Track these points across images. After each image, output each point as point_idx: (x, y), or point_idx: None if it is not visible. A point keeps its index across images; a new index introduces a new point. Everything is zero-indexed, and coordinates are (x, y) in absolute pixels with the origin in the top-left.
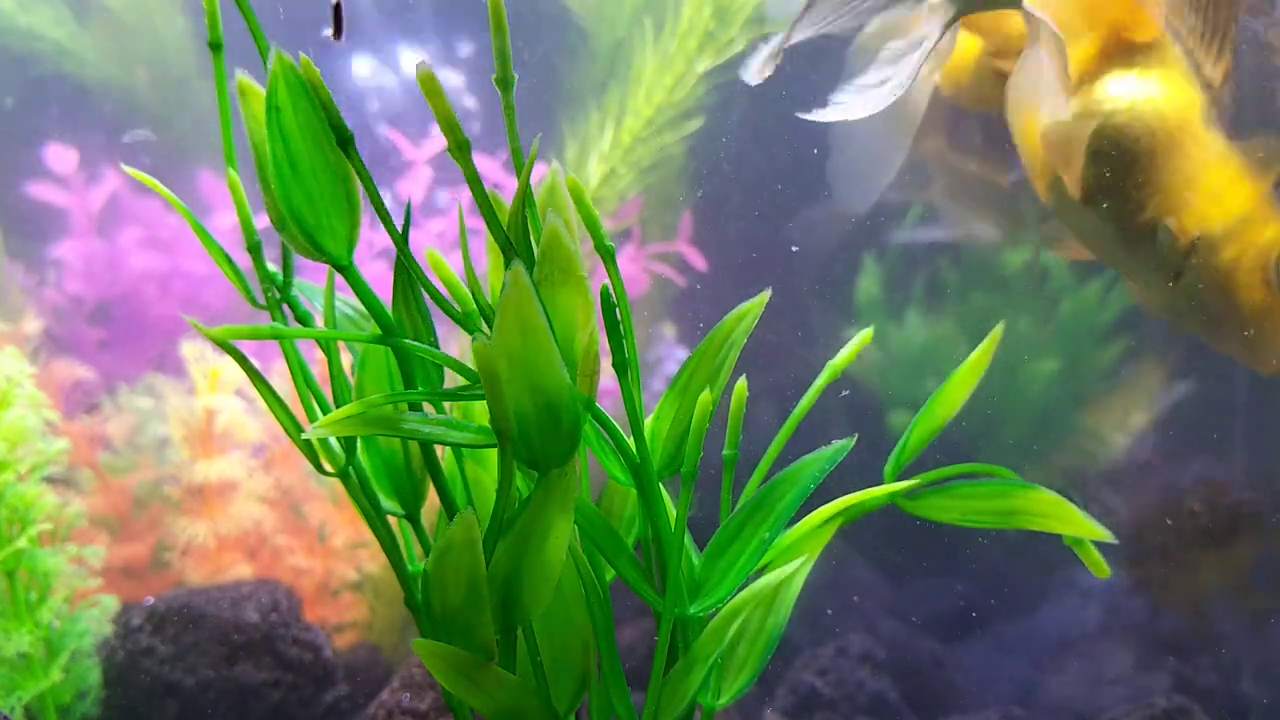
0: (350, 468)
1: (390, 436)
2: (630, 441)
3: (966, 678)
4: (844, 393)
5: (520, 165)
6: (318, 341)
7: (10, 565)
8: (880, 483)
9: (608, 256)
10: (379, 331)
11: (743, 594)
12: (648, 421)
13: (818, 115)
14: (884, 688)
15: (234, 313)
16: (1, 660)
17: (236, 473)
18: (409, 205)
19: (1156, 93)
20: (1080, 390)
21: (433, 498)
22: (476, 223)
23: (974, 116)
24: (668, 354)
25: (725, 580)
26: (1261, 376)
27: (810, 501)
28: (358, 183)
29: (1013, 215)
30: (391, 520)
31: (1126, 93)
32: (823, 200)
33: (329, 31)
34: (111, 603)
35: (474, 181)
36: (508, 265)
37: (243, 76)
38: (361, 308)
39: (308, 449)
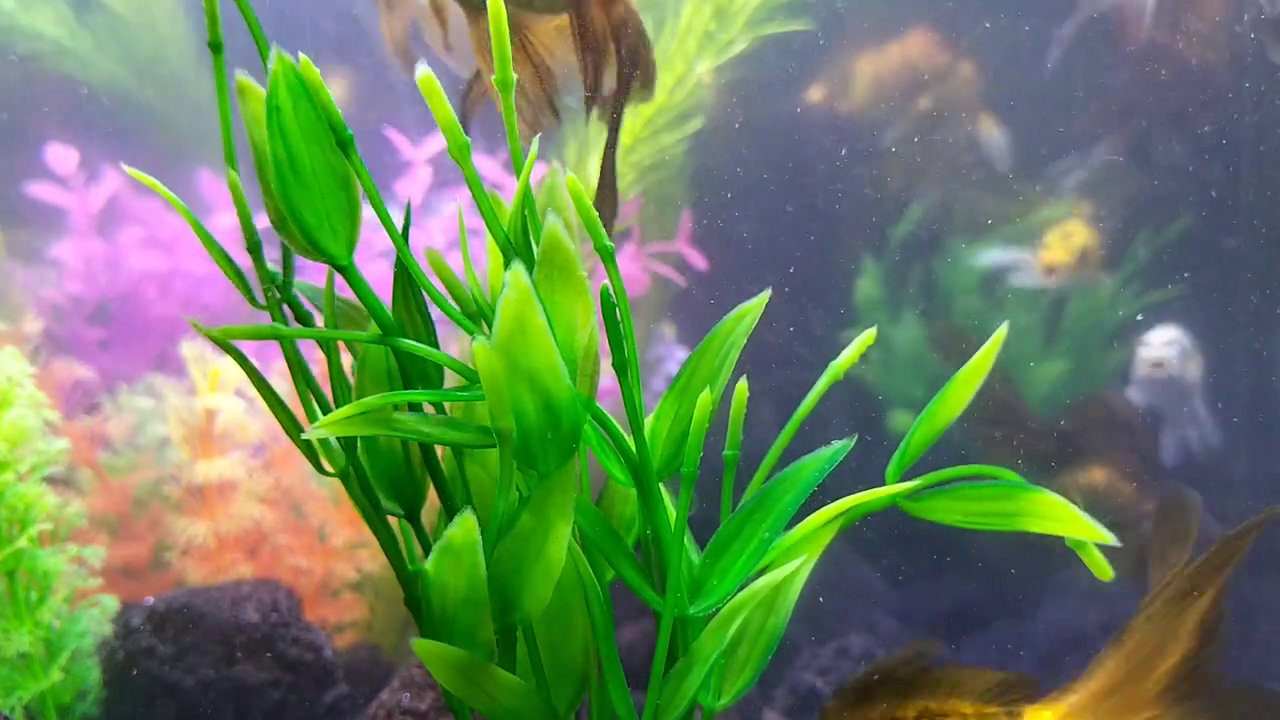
0: (350, 468)
1: (390, 436)
2: (630, 441)
3: None
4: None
5: (520, 166)
6: (318, 341)
7: (10, 565)
8: (879, 483)
9: (607, 256)
10: (379, 331)
11: (743, 594)
12: (648, 421)
13: None
14: None
15: (234, 313)
16: (1, 660)
17: (236, 473)
18: (409, 205)
19: None
20: (1087, 392)
21: (432, 498)
22: (477, 223)
23: None
24: (668, 354)
25: (725, 580)
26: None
27: (810, 501)
28: (358, 183)
29: None
30: (391, 520)
31: None
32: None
33: None
34: (111, 603)
35: (474, 183)
36: (507, 266)
37: (243, 77)
38: (362, 307)
39: (307, 449)
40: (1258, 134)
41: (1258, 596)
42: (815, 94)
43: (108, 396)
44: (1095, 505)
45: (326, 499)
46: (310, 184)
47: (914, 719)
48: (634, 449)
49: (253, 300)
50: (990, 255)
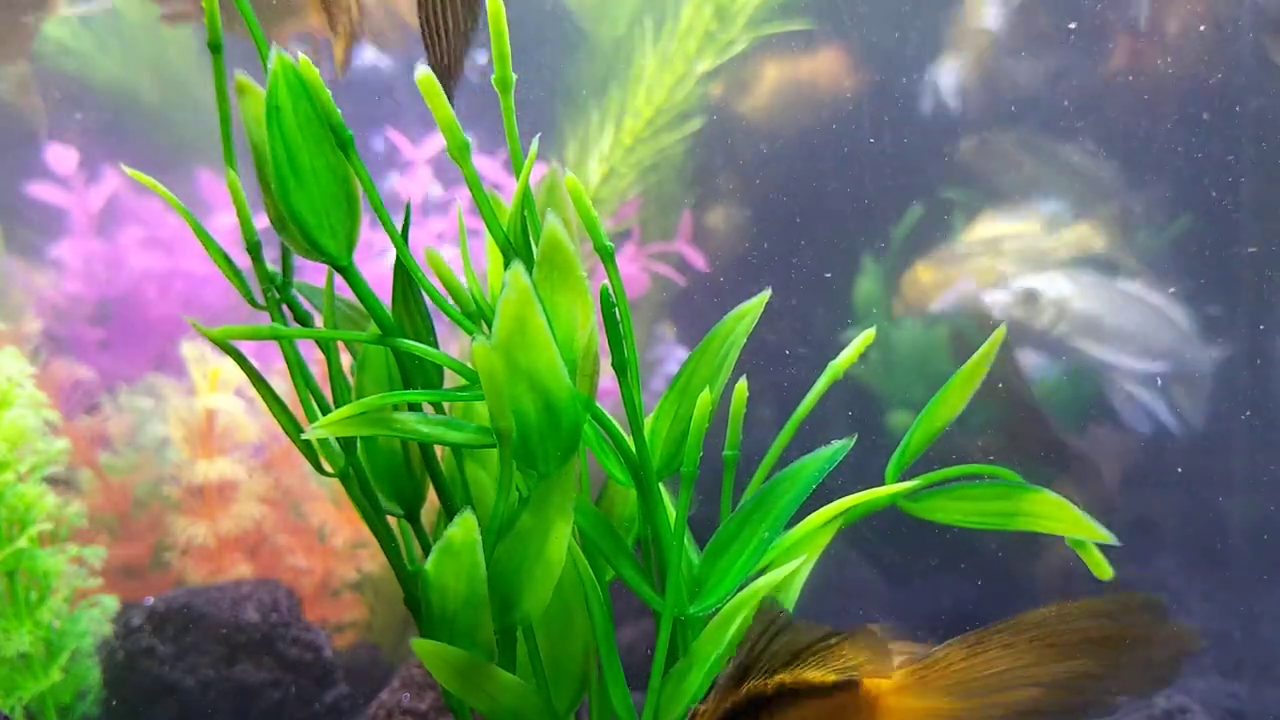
0: (350, 468)
1: (390, 436)
2: (630, 441)
3: None
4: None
5: (520, 165)
6: (317, 342)
7: (10, 565)
8: (879, 483)
9: (607, 257)
10: (378, 332)
11: (743, 594)
12: (647, 421)
13: None
14: None
15: (234, 313)
16: (1, 660)
17: (236, 473)
18: (409, 205)
19: None
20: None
21: (432, 498)
22: (477, 222)
23: None
24: (668, 354)
25: (725, 580)
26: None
27: (810, 501)
28: (357, 183)
29: None
30: (391, 520)
31: None
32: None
33: None
34: (111, 603)
35: (474, 183)
36: (507, 266)
37: (242, 77)
38: (362, 307)
39: (307, 449)
40: (1258, 134)
41: (1259, 599)
42: (816, 92)
43: (108, 396)
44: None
45: (326, 499)
46: (310, 184)
47: (773, 695)
48: (634, 449)
49: (252, 301)
50: None
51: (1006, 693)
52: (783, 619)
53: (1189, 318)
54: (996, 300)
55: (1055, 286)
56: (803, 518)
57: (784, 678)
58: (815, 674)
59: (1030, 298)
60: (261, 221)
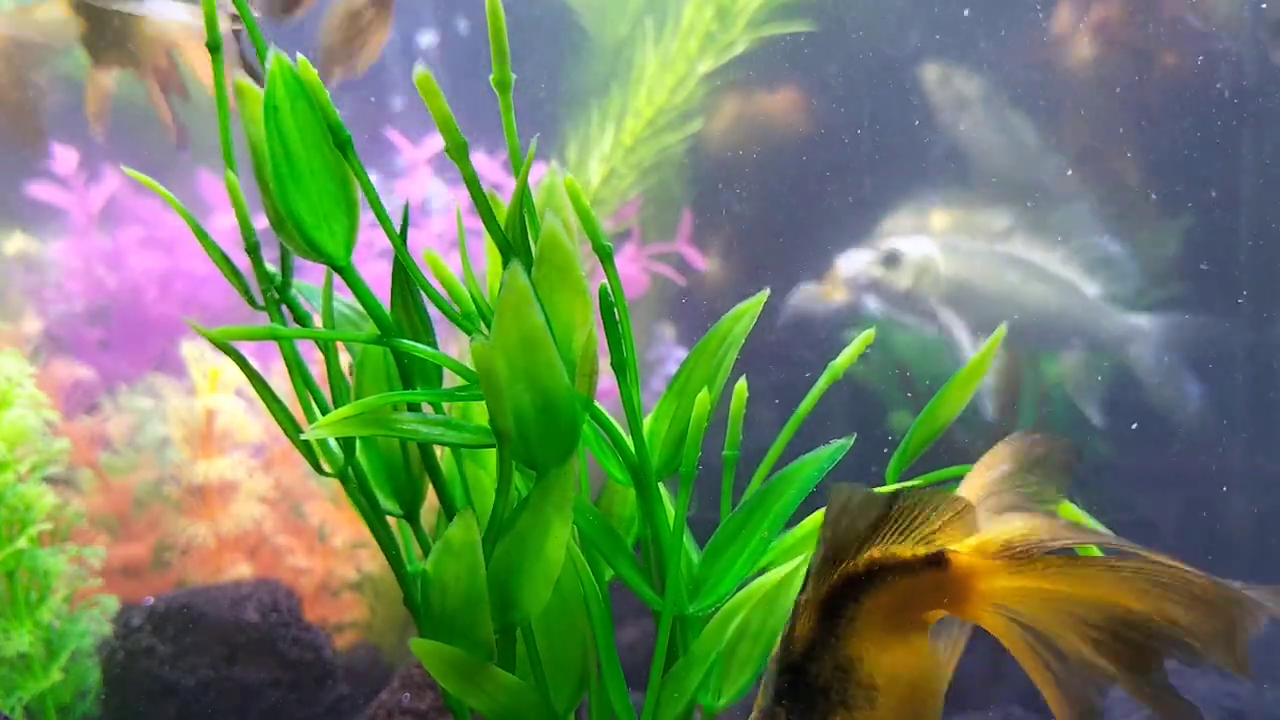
0: (349, 468)
1: (389, 437)
2: (629, 441)
3: (966, 678)
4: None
5: (519, 165)
6: (316, 342)
7: (10, 565)
8: (879, 483)
9: (605, 256)
10: (377, 332)
11: (742, 593)
12: (646, 421)
13: None
14: None
15: (234, 313)
16: (1, 660)
17: (236, 473)
18: (407, 206)
19: None
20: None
21: (432, 498)
22: (475, 223)
23: None
24: (668, 354)
25: (725, 580)
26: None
27: (810, 501)
28: (356, 183)
29: None
30: (391, 520)
31: None
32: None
33: None
34: (111, 603)
35: (472, 182)
36: (506, 266)
37: (241, 77)
38: (360, 308)
39: (306, 449)
40: (1258, 134)
41: None
42: (817, 93)
43: (108, 396)
44: None
45: (326, 499)
46: (308, 184)
47: (864, 573)
48: (633, 449)
49: (251, 301)
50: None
51: (1098, 606)
52: (858, 494)
53: (1108, 285)
54: (858, 259)
55: (919, 248)
56: (803, 517)
57: (875, 553)
58: (905, 549)
59: (892, 258)
60: (261, 222)
